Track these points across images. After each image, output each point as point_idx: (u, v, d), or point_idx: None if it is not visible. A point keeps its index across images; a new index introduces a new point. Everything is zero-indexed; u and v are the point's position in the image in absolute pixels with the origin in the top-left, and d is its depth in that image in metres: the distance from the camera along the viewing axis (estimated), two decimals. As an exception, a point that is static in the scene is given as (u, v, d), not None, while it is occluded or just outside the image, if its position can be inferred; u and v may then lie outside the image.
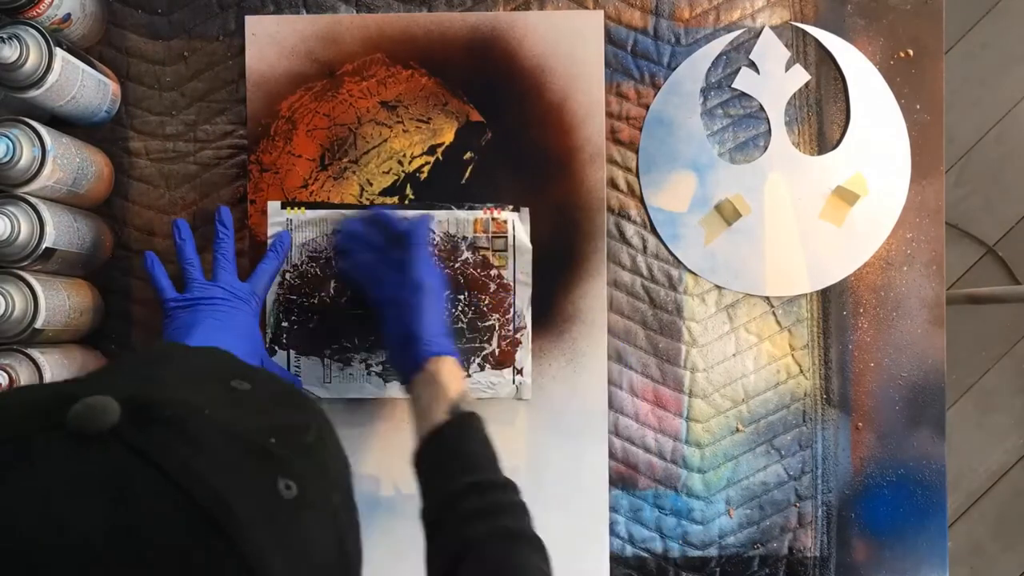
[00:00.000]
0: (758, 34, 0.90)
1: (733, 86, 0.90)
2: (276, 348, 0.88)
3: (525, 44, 0.90)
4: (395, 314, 0.79)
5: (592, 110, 0.90)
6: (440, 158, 0.90)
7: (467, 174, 0.90)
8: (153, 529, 0.35)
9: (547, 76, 0.90)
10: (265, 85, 0.90)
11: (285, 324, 0.88)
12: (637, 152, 0.90)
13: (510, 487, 0.70)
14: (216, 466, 0.37)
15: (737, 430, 0.89)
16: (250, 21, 0.90)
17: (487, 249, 0.88)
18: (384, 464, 0.89)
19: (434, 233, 0.88)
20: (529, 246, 0.88)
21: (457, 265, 0.88)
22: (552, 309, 0.89)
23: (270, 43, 0.90)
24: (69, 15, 0.83)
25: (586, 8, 0.90)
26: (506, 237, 0.88)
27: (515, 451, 0.89)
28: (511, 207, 0.88)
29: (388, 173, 0.90)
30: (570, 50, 0.90)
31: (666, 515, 0.89)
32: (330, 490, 0.41)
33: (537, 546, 0.66)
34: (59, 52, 0.77)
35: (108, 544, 0.34)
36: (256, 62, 0.90)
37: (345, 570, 0.41)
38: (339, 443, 0.45)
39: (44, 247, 0.77)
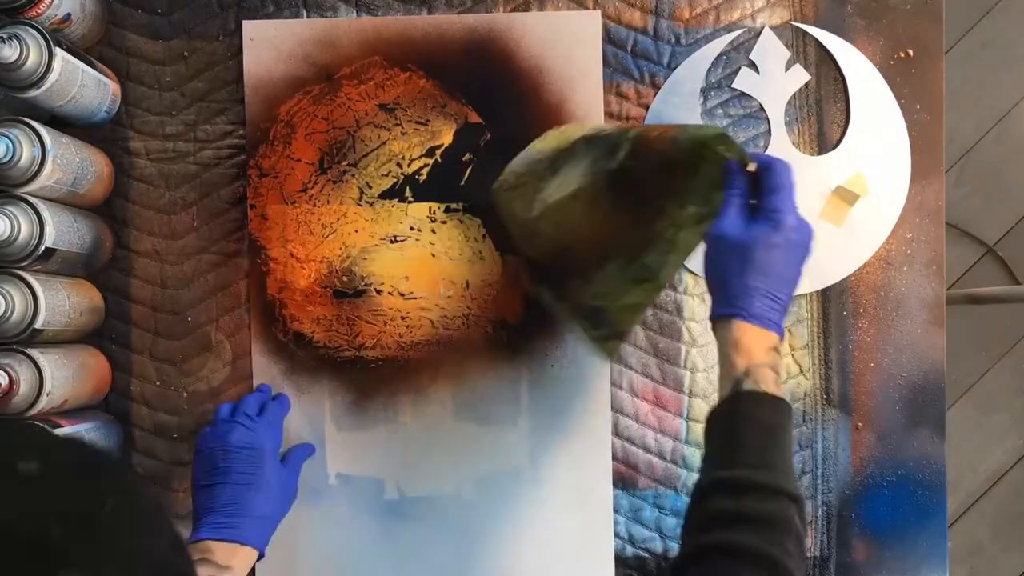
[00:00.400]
0: (758, 34, 0.90)
1: (733, 86, 0.90)
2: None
3: (523, 45, 0.90)
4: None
5: (590, 111, 0.90)
6: (439, 160, 0.90)
7: (466, 175, 0.90)
8: None
9: (545, 77, 0.90)
10: (263, 89, 0.90)
11: None
12: (637, 152, 0.90)
13: (780, 495, 0.61)
14: None
15: (737, 430, 0.89)
16: (247, 26, 0.90)
17: None
18: (386, 467, 0.89)
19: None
20: None
21: None
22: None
23: (268, 47, 0.90)
24: (69, 15, 0.83)
25: (586, 8, 0.90)
26: None
27: (517, 451, 0.89)
28: None
29: (387, 176, 0.90)
30: (568, 51, 0.90)
31: (666, 515, 0.89)
32: (132, 562, 0.39)
33: (766, 565, 0.57)
34: (59, 52, 0.77)
35: None
36: (254, 67, 0.90)
37: None
38: (149, 511, 0.42)
39: (44, 247, 0.77)
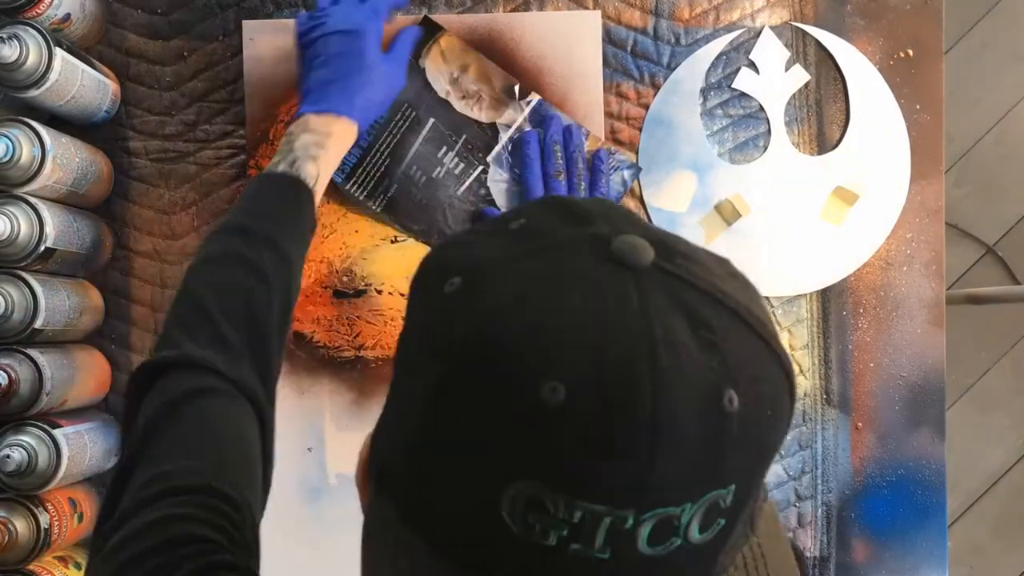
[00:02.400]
0: (758, 34, 0.90)
1: (733, 86, 0.90)
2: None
3: (523, 45, 0.90)
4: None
5: (591, 110, 0.90)
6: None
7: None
8: (728, 342, 0.38)
9: (545, 77, 0.90)
10: (263, 90, 0.90)
11: None
12: (637, 152, 0.90)
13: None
14: (731, 288, 0.40)
15: (737, 430, 0.89)
16: (247, 26, 0.90)
17: None
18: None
19: None
20: None
21: None
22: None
23: (268, 47, 0.90)
24: (69, 15, 0.83)
25: (586, 8, 0.90)
26: None
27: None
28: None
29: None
30: (568, 50, 0.90)
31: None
32: None
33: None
34: (59, 52, 0.77)
35: (704, 353, 0.37)
36: (254, 66, 0.90)
37: None
38: None
39: (44, 247, 0.77)
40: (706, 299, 0.38)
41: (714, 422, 0.36)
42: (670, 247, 0.39)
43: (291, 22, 0.89)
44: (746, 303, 0.39)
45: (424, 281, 0.44)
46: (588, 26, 0.90)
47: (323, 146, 0.76)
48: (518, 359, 0.36)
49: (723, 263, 0.42)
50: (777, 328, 0.40)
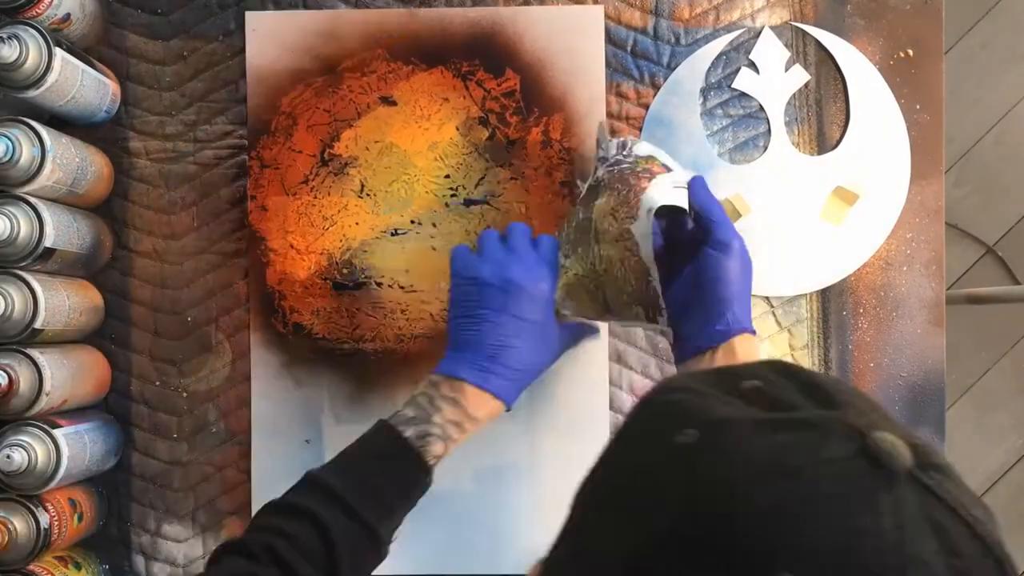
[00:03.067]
0: (758, 34, 0.90)
1: (733, 86, 0.90)
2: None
3: (526, 39, 0.90)
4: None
5: (593, 106, 0.90)
6: (441, 153, 0.90)
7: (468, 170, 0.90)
8: (976, 573, 0.36)
9: (548, 71, 0.90)
10: (265, 81, 0.90)
11: None
12: (637, 152, 0.90)
13: None
14: (976, 512, 0.37)
15: (737, 430, 0.89)
16: (250, 17, 0.90)
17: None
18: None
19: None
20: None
21: None
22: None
23: (271, 39, 0.90)
24: (69, 15, 0.83)
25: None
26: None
27: (515, 450, 0.89)
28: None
29: (388, 169, 0.90)
30: (570, 45, 0.90)
31: (666, 515, 0.89)
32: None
33: None
34: (59, 52, 0.77)
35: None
36: (256, 58, 0.90)
37: None
38: None
39: (44, 247, 0.77)
40: (958, 522, 0.36)
41: None
42: (926, 455, 0.38)
43: (296, 13, 0.90)
44: (996, 536, 0.37)
45: (647, 425, 0.42)
46: (591, 20, 0.90)
47: (464, 430, 0.70)
48: (758, 533, 0.34)
49: (970, 492, 0.39)
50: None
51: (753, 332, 0.72)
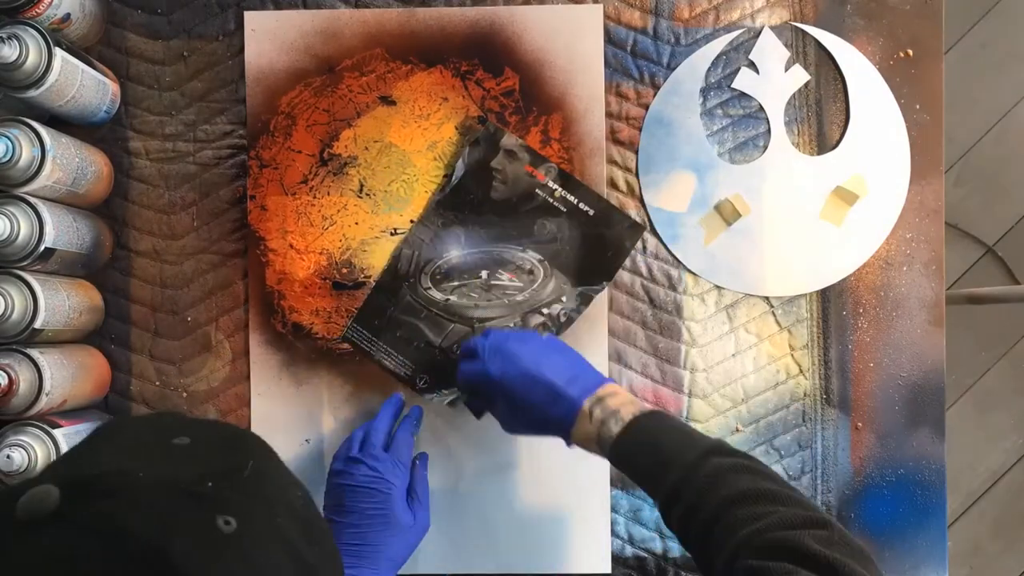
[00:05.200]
0: (758, 34, 0.90)
1: (733, 86, 0.90)
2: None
3: (524, 38, 0.90)
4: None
5: (592, 105, 0.90)
6: (440, 153, 0.90)
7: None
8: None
9: (546, 71, 0.90)
10: (265, 81, 0.90)
11: None
12: (637, 152, 0.90)
13: (735, 454, 0.66)
14: (153, 517, 0.41)
15: (737, 430, 0.89)
16: (249, 17, 0.90)
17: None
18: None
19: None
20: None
21: None
22: (552, 309, 0.89)
23: (269, 39, 0.90)
24: (69, 15, 0.83)
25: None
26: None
27: (515, 450, 0.89)
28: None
29: (387, 169, 0.90)
30: (569, 44, 0.90)
31: (666, 515, 0.89)
32: (272, 515, 0.45)
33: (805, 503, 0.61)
34: (59, 52, 0.77)
35: None
36: (255, 58, 0.90)
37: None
38: (283, 471, 0.50)
39: (44, 247, 0.77)
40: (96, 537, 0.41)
41: None
42: (88, 487, 0.42)
43: (294, 13, 0.90)
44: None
45: None
46: (590, 20, 0.90)
47: None
48: None
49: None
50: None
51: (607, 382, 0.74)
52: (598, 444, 0.71)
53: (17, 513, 0.41)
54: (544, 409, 0.73)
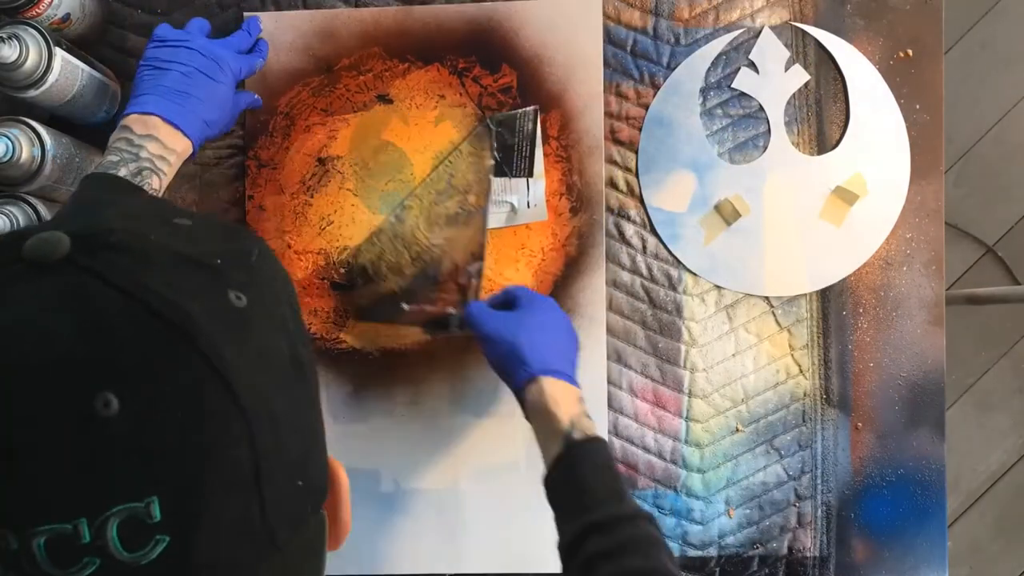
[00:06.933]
0: (757, 34, 0.90)
1: (733, 86, 0.90)
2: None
3: (522, 35, 0.90)
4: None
5: (591, 102, 0.90)
6: (437, 152, 0.90)
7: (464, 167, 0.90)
8: (120, 339, 0.36)
9: (545, 66, 0.90)
10: (263, 81, 0.90)
11: None
12: (636, 152, 0.90)
13: (639, 518, 0.66)
14: (167, 279, 0.38)
15: (737, 430, 0.89)
16: (248, 17, 0.90)
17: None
18: (383, 459, 0.89)
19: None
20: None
21: None
22: (552, 309, 0.89)
23: (267, 39, 0.90)
24: (69, 15, 0.83)
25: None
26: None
27: (514, 448, 0.89)
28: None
29: (384, 168, 0.90)
30: (568, 40, 0.90)
31: (665, 515, 0.89)
32: (276, 303, 0.43)
33: None
34: (59, 52, 0.77)
35: (80, 351, 0.36)
36: (255, 60, 0.90)
37: (301, 373, 0.44)
38: (280, 266, 0.47)
39: (44, 247, 0.77)
40: (112, 290, 0.37)
41: (86, 427, 0.35)
42: (99, 240, 0.39)
43: (292, 14, 0.90)
44: (170, 298, 0.38)
45: None
46: (589, 15, 0.90)
47: (169, 163, 0.75)
48: None
49: (168, 262, 0.40)
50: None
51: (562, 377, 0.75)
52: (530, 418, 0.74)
53: (24, 254, 0.37)
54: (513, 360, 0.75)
